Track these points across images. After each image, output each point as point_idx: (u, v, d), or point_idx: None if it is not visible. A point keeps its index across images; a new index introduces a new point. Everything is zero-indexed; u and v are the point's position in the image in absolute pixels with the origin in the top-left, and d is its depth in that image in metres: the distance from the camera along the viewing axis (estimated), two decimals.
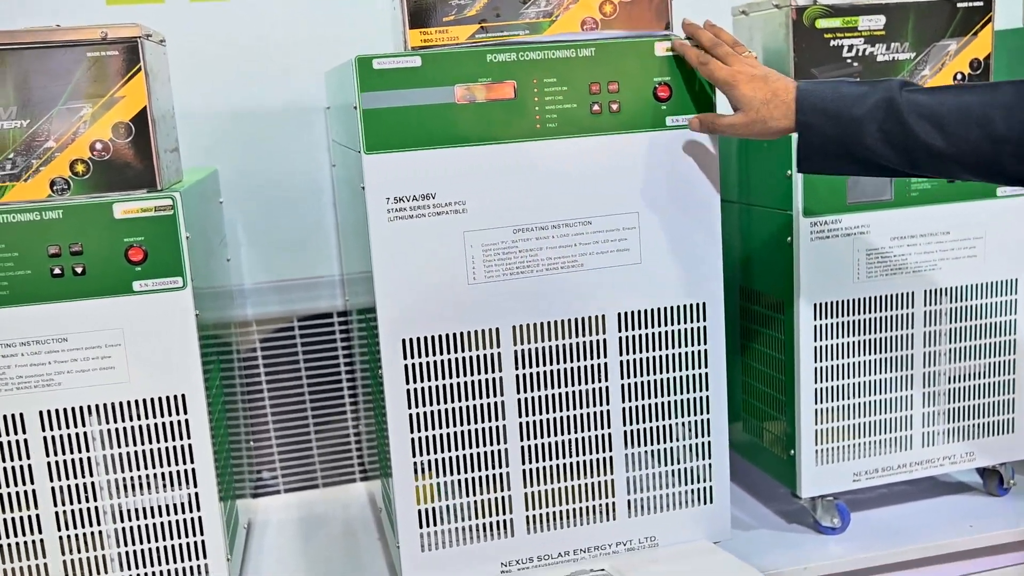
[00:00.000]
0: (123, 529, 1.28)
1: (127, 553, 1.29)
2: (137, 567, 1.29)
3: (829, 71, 1.52)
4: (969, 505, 1.68)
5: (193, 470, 1.28)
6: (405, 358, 1.31)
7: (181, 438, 1.27)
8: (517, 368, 1.35)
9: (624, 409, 1.40)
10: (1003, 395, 1.63)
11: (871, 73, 1.52)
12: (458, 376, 1.34)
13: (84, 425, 1.25)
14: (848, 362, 1.55)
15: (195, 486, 1.28)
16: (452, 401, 1.34)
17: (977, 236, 1.57)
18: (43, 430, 1.24)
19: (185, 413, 1.27)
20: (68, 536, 1.27)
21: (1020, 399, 1.64)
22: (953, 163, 1.16)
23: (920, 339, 1.57)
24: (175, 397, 1.26)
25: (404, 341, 1.31)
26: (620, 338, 1.38)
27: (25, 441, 1.24)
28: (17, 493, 1.25)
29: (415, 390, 1.32)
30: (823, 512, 1.60)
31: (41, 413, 1.24)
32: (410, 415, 1.33)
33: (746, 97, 1.25)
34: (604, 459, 1.41)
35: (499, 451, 1.37)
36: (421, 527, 1.36)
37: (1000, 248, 1.58)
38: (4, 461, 1.24)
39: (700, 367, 1.42)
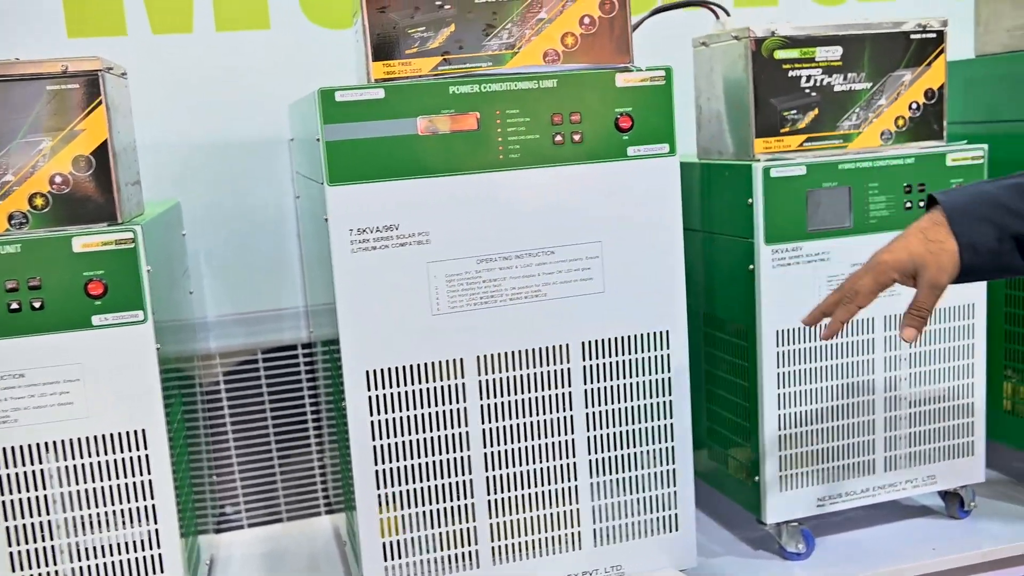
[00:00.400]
0: (81, 568, 1.26)
1: None
2: None
3: (787, 101, 1.54)
4: (931, 528, 1.70)
5: (153, 506, 1.26)
6: (369, 389, 1.31)
7: (141, 474, 1.25)
8: (482, 398, 1.35)
9: (589, 438, 1.40)
10: (962, 419, 1.65)
11: (829, 103, 1.55)
12: (422, 407, 1.33)
13: (41, 462, 1.23)
14: (811, 388, 1.56)
15: (155, 523, 1.27)
16: (416, 432, 1.33)
17: None
18: None
19: (145, 448, 1.25)
20: None
21: (979, 422, 1.66)
22: None
23: (880, 364, 1.59)
24: (135, 432, 1.25)
25: (368, 373, 1.31)
26: (584, 367, 1.38)
27: None
28: None
29: (379, 422, 1.32)
30: (788, 538, 1.60)
31: None
32: (374, 447, 1.32)
33: (912, 255, 1.13)
34: (569, 488, 1.41)
35: (464, 482, 1.36)
36: (386, 560, 1.35)
37: None
38: None
39: (664, 395, 1.42)
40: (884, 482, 1.63)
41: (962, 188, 1.16)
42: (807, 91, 1.55)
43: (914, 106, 1.60)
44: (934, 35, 1.59)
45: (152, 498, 1.26)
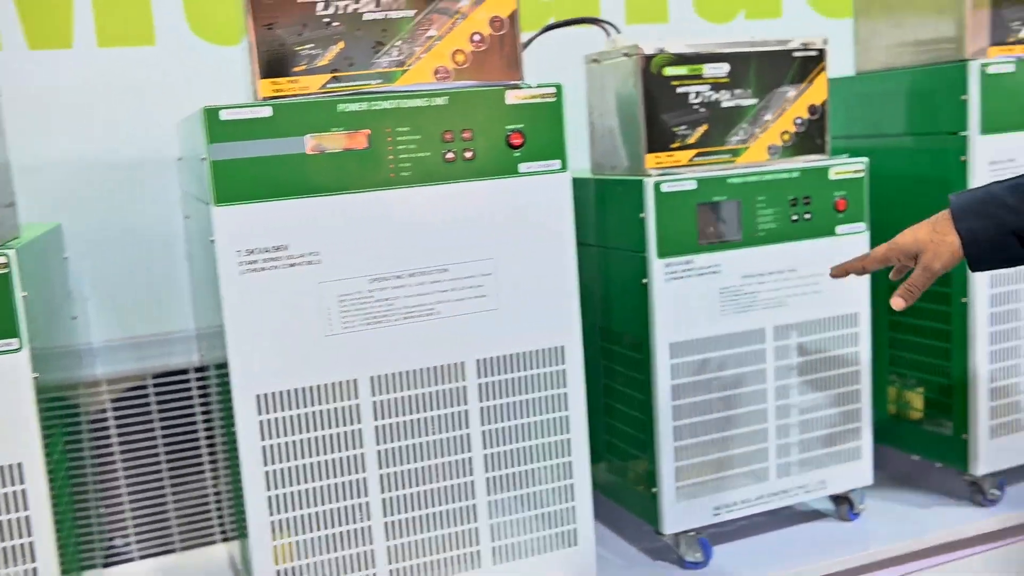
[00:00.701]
0: None
1: None
2: None
3: (677, 117, 1.57)
4: (823, 532, 1.74)
5: (32, 544, 1.21)
6: (260, 414, 1.28)
7: (18, 510, 1.20)
8: (376, 419, 1.34)
9: (486, 456, 1.40)
10: (850, 424, 1.69)
11: (717, 118, 1.58)
12: (316, 430, 1.31)
13: None
14: (705, 399, 1.58)
15: (34, 561, 1.21)
16: (310, 456, 1.31)
17: (820, 272, 1.64)
18: None
19: (22, 483, 1.19)
20: None
21: (866, 427, 1.71)
22: None
23: (771, 373, 1.63)
24: (11, 467, 1.19)
25: (258, 397, 1.28)
26: (480, 384, 1.38)
27: None
28: None
29: (271, 446, 1.29)
30: (686, 547, 1.62)
31: None
32: (266, 472, 1.29)
33: (916, 240, 1.29)
34: (468, 507, 1.40)
35: (360, 504, 1.34)
36: None
37: (841, 284, 1.65)
38: None
39: (561, 410, 1.43)
40: (777, 488, 1.66)
41: (973, 189, 1.31)
42: (696, 107, 1.58)
43: (799, 121, 1.65)
44: (815, 53, 1.64)
45: (30, 535, 1.20)
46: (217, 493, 1.84)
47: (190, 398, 1.81)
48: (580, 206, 1.68)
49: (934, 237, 1.28)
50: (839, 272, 1.38)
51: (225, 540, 1.84)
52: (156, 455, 1.80)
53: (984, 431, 1.75)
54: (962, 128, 1.68)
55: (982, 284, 1.71)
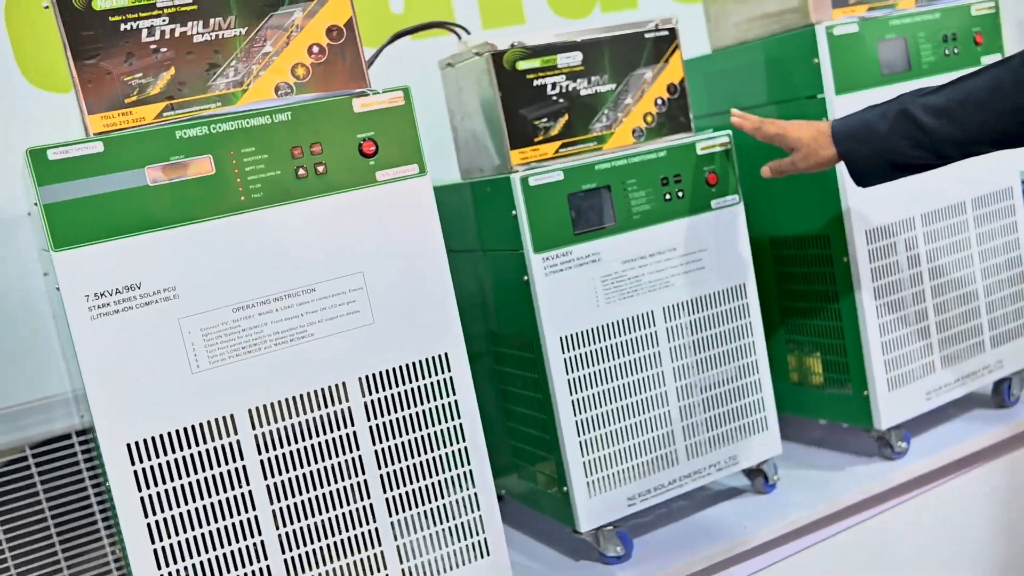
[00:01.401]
0: None
1: None
2: None
3: (536, 110, 1.55)
4: (741, 507, 1.73)
5: None
6: (133, 464, 1.21)
7: None
8: (260, 453, 1.28)
9: (382, 476, 1.35)
10: (752, 396, 1.69)
11: (578, 108, 1.57)
12: (196, 473, 1.24)
13: None
14: (603, 389, 1.56)
15: None
16: (193, 501, 1.24)
17: (702, 248, 1.64)
18: None
19: None
20: None
21: (768, 397, 1.70)
22: (972, 143, 1.37)
23: (667, 355, 1.61)
24: None
25: (129, 446, 1.21)
26: (365, 403, 1.33)
27: None
28: None
29: (149, 496, 1.22)
30: (606, 542, 1.59)
31: None
32: (147, 524, 1.22)
33: (796, 139, 1.51)
34: (369, 532, 1.35)
35: (254, 544, 1.28)
36: None
37: (724, 257, 1.65)
38: None
39: (453, 419, 1.39)
40: (689, 470, 1.65)
41: (851, 115, 1.49)
42: (554, 98, 1.56)
43: (659, 102, 1.65)
44: (667, 32, 1.65)
45: None
46: (117, 559, 1.75)
47: (76, 463, 1.72)
48: (457, 213, 1.66)
49: (812, 145, 1.49)
50: (737, 121, 1.60)
51: None
52: (45, 528, 1.71)
53: (883, 385, 1.77)
54: (819, 91, 1.71)
55: (860, 241, 1.73)
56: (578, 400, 1.54)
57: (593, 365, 1.55)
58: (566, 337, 1.53)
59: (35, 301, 1.68)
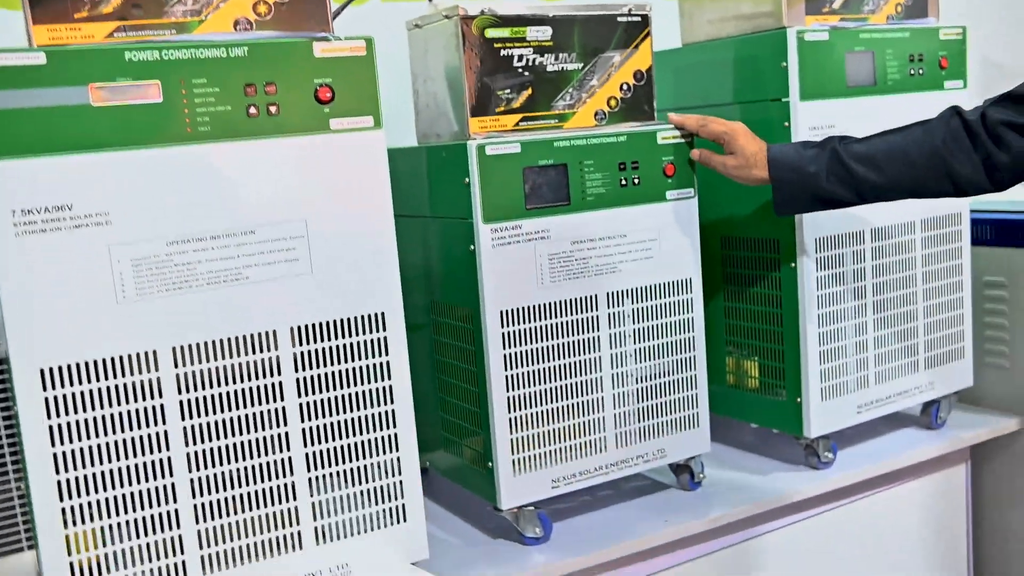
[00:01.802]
0: None
1: None
2: None
3: (501, 80, 1.53)
4: (664, 502, 1.73)
5: None
6: (45, 390, 1.17)
7: None
8: (181, 393, 1.24)
9: (304, 430, 1.32)
10: (686, 391, 1.69)
11: (542, 83, 1.55)
12: (112, 406, 1.21)
13: None
14: (538, 368, 1.54)
15: None
16: (106, 435, 1.20)
17: (652, 238, 1.63)
18: None
19: None
20: None
21: (702, 395, 1.70)
22: (890, 190, 1.51)
23: (606, 341, 1.60)
24: None
25: (43, 371, 1.17)
26: (295, 354, 1.30)
27: None
28: None
29: (60, 425, 1.18)
30: (525, 523, 1.58)
31: None
32: (54, 454, 1.18)
33: (741, 147, 1.58)
34: (285, 485, 1.32)
35: (166, 486, 1.24)
36: None
37: (674, 249, 1.64)
38: None
39: (383, 380, 1.37)
40: (617, 459, 1.64)
41: (789, 145, 1.60)
42: (520, 70, 1.55)
43: (625, 87, 1.63)
44: (639, 19, 1.63)
45: None
46: (21, 496, 1.69)
47: None
48: (409, 177, 1.63)
49: (751, 160, 1.58)
50: (676, 120, 1.63)
51: (33, 547, 1.70)
52: None
53: (816, 394, 1.77)
54: (784, 95, 1.71)
55: (809, 248, 1.74)
56: (512, 376, 1.52)
57: (531, 343, 1.53)
58: (506, 311, 1.51)
59: None
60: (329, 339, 1.32)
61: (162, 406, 1.23)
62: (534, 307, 1.53)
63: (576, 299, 1.57)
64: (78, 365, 1.18)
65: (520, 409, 1.54)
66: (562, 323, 1.56)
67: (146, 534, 1.24)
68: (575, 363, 1.58)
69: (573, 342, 1.57)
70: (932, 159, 1.46)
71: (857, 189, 1.52)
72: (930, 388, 1.94)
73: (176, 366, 1.23)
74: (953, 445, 1.95)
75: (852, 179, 1.51)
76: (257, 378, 1.28)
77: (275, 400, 1.30)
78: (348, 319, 1.33)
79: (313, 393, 1.32)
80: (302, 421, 1.32)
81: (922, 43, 1.83)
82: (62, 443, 1.18)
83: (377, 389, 1.36)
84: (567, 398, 1.57)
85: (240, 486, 1.29)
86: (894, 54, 1.80)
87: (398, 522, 1.40)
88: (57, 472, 1.18)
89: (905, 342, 1.89)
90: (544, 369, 1.55)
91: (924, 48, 1.84)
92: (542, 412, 1.56)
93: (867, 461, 1.85)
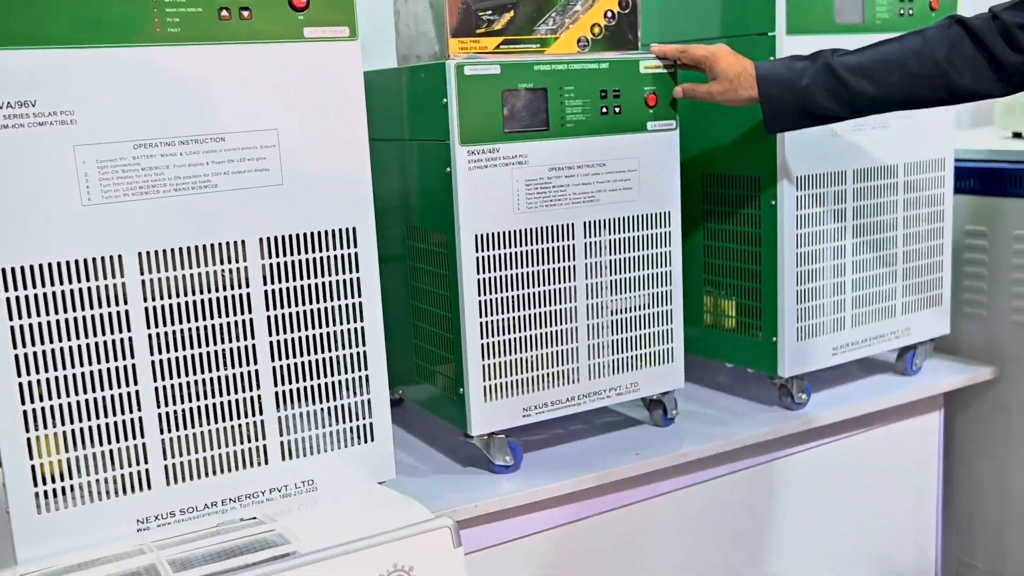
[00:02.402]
0: None
1: None
2: None
3: (482, 2, 1.50)
4: (636, 436, 1.73)
5: None
6: (6, 291, 1.15)
7: None
8: (146, 300, 1.22)
9: (272, 343, 1.31)
10: (662, 326, 1.68)
11: (525, 6, 1.53)
12: (74, 311, 1.19)
13: None
14: (512, 295, 1.53)
15: None
16: (69, 339, 1.19)
17: (631, 169, 1.61)
18: None
19: None
20: None
21: (677, 330, 1.69)
22: (884, 102, 1.49)
23: (582, 271, 1.59)
24: None
25: (4, 271, 1.15)
26: (263, 265, 1.29)
27: None
28: None
29: (22, 327, 1.16)
30: (496, 451, 1.57)
31: None
32: (16, 356, 1.16)
33: (723, 70, 1.55)
34: (251, 398, 1.30)
35: (129, 393, 1.23)
36: (36, 485, 1.19)
37: (653, 181, 1.63)
38: None
39: (353, 296, 1.35)
40: (589, 390, 1.63)
41: (777, 61, 1.57)
42: None
43: (609, 14, 1.61)
44: None
45: None
46: None
47: None
48: (387, 100, 1.61)
49: (735, 81, 1.54)
50: (658, 50, 1.61)
51: None
52: None
53: (791, 334, 1.77)
54: (770, 28, 1.68)
55: (789, 188, 1.72)
56: (485, 302, 1.51)
57: (505, 269, 1.52)
58: (482, 236, 1.49)
59: None
60: (299, 253, 1.30)
61: (127, 312, 1.21)
62: (510, 232, 1.52)
63: (552, 227, 1.55)
64: (41, 267, 1.16)
65: (493, 336, 1.52)
66: (538, 250, 1.55)
67: (109, 442, 1.22)
68: (550, 291, 1.56)
69: (548, 270, 1.56)
70: (932, 68, 1.44)
71: (851, 102, 1.49)
72: (906, 334, 1.94)
73: (142, 272, 1.22)
74: (927, 391, 1.96)
75: (846, 91, 1.48)
76: (225, 289, 1.27)
77: (243, 312, 1.28)
78: (318, 232, 1.31)
79: (281, 307, 1.30)
80: (270, 335, 1.30)
81: None
82: (23, 345, 1.16)
83: (347, 306, 1.35)
84: (541, 327, 1.56)
85: (205, 398, 1.27)
86: None
87: (365, 441, 1.39)
88: (19, 374, 1.16)
89: (883, 286, 1.88)
90: (518, 296, 1.54)
91: None
92: (515, 340, 1.55)
93: (840, 403, 1.85)
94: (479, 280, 1.50)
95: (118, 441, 1.23)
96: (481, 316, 1.51)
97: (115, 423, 1.22)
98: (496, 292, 1.52)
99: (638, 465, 1.62)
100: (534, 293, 1.55)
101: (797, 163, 1.72)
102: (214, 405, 1.28)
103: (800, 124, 1.56)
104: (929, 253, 1.94)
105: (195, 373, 1.26)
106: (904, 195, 1.88)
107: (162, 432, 1.25)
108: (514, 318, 1.54)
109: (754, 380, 1.92)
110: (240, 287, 1.28)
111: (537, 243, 1.54)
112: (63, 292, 1.18)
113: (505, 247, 1.52)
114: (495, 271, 1.51)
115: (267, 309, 1.29)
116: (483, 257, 1.50)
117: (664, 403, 1.74)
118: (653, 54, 1.61)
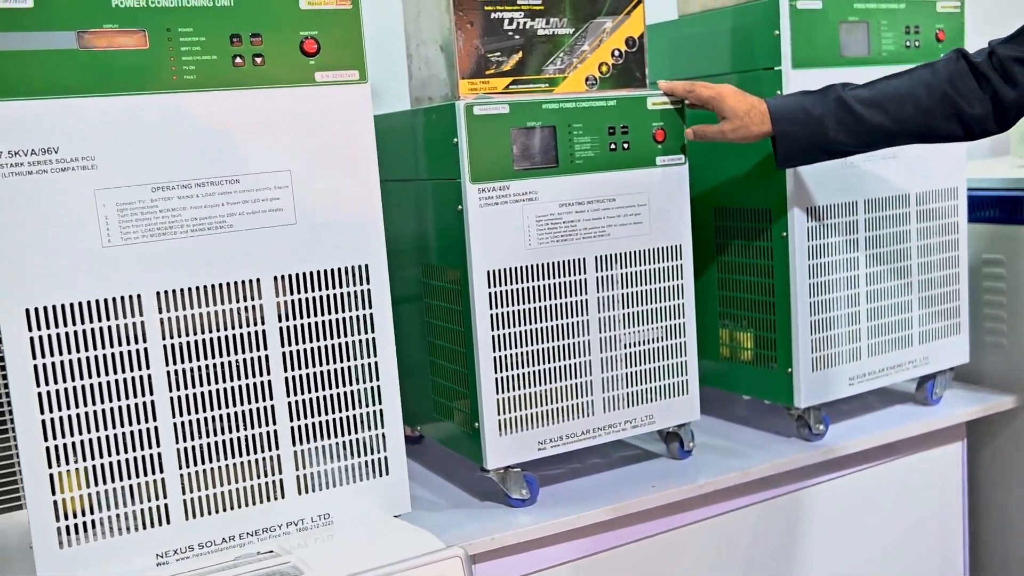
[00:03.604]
0: None
1: None
2: None
3: (491, 43, 1.54)
4: (653, 469, 1.73)
5: None
6: (30, 330, 1.19)
7: None
8: (165, 338, 1.26)
9: (287, 379, 1.34)
10: (676, 358, 1.69)
11: (533, 47, 1.57)
12: (96, 348, 1.22)
13: None
14: (526, 329, 1.55)
15: None
16: (91, 376, 1.22)
17: (641, 203, 1.63)
18: None
19: None
20: None
21: (691, 362, 1.70)
22: (899, 135, 1.51)
23: (594, 304, 1.61)
24: None
25: (28, 311, 1.19)
26: (278, 303, 1.32)
27: None
28: None
29: (44, 365, 1.20)
30: (512, 484, 1.59)
31: None
32: (39, 393, 1.20)
33: (732, 108, 1.55)
34: (268, 433, 1.33)
35: (149, 429, 1.26)
36: (59, 520, 1.22)
37: (663, 215, 1.65)
38: None
39: (367, 332, 1.38)
40: (604, 423, 1.64)
41: (788, 96, 1.58)
42: (510, 34, 1.56)
43: (616, 53, 1.64)
44: None
45: None
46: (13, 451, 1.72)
47: None
48: (400, 141, 1.65)
49: (745, 119, 1.55)
50: (666, 87, 1.62)
51: None
52: None
53: (807, 364, 1.77)
54: (776, 63, 1.71)
55: (800, 219, 1.74)
56: (499, 336, 1.53)
57: (518, 304, 1.54)
58: (494, 272, 1.52)
59: None
60: (313, 290, 1.34)
61: (146, 350, 1.25)
62: (522, 268, 1.54)
63: (564, 262, 1.58)
64: (63, 306, 1.20)
65: (507, 370, 1.54)
66: (550, 285, 1.57)
67: (129, 477, 1.26)
68: (563, 325, 1.58)
69: (561, 304, 1.58)
70: (942, 101, 1.45)
71: (865, 136, 1.50)
72: (925, 363, 1.93)
73: (160, 311, 1.25)
74: (948, 421, 1.94)
75: (860, 125, 1.49)
76: (241, 326, 1.30)
77: (259, 349, 1.31)
78: (332, 270, 1.35)
79: (296, 343, 1.33)
80: (285, 370, 1.33)
81: (919, 15, 1.83)
82: (47, 383, 1.20)
83: (360, 341, 1.37)
84: (554, 360, 1.58)
85: (223, 433, 1.30)
86: (889, 25, 1.80)
87: (380, 475, 1.41)
88: (42, 411, 1.20)
89: (899, 315, 1.88)
90: (531, 331, 1.56)
91: (920, 20, 1.83)
92: (529, 374, 1.56)
93: (860, 434, 1.85)
94: (492, 315, 1.53)
95: (138, 476, 1.26)
96: (495, 351, 1.53)
97: (135, 458, 1.26)
98: (510, 327, 1.54)
99: (655, 497, 1.63)
100: (547, 327, 1.57)
101: (807, 194, 1.73)
102: (232, 440, 1.31)
103: (813, 159, 1.58)
104: (945, 282, 1.94)
105: (213, 409, 1.29)
106: (917, 224, 1.88)
107: (181, 467, 1.28)
108: (528, 352, 1.56)
109: (772, 412, 1.92)
110: (256, 324, 1.31)
111: (549, 278, 1.57)
112: (84, 331, 1.21)
113: (518, 282, 1.54)
114: (508, 306, 1.53)
115: (282, 345, 1.32)
116: (496, 292, 1.53)
117: (680, 435, 1.75)
118: (661, 90, 1.63)
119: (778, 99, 1.57)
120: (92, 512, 1.24)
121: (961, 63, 1.47)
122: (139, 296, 1.24)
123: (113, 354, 1.23)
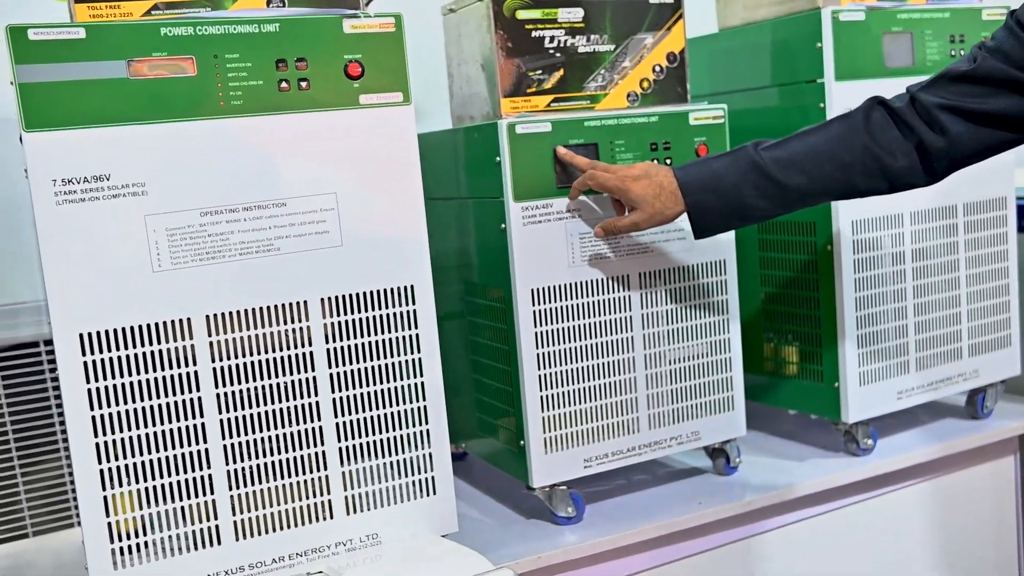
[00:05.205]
0: None
1: None
2: None
3: (532, 61, 1.55)
4: (700, 485, 1.72)
5: None
6: (84, 354, 1.21)
7: None
8: (214, 361, 1.27)
9: (335, 400, 1.34)
10: (721, 374, 1.68)
11: (574, 64, 1.57)
12: (147, 372, 1.24)
13: None
14: (570, 347, 1.55)
15: None
16: (142, 400, 1.24)
17: (683, 220, 1.62)
18: None
19: None
20: None
21: (737, 378, 1.69)
22: (819, 195, 1.40)
23: (639, 321, 1.60)
24: None
25: (82, 336, 1.20)
26: (325, 324, 1.33)
27: None
28: None
29: (98, 389, 1.22)
30: (558, 502, 1.58)
31: None
32: (92, 417, 1.22)
33: (639, 197, 1.43)
34: (316, 454, 1.34)
35: (199, 451, 1.28)
36: (113, 542, 1.24)
37: None
38: None
39: (413, 352, 1.38)
40: (650, 440, 1.63)
41: (695, 163, 1.46)
42: (551, 52, 1.56)
43: (657, 69, 1.64)
44: (672, 0, 1.64)
45: None
46: (72, 473, 1.74)
47: (41, 372, 1.72)
48: (443, 160, 1.66)
49: (656, 204, 1.43)
50: (564, 153, 1.51)
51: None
52: (4, 434, 1.71)
53: (854, 379, 1.75)
54: (819, 76, 1.70)
55: (846, 231, 1.72)
56: (543, 355, 1.53)
57: (562, 321, 1.54)
58: (538, 290, 1.52)
59: (16, 206, 1.68)
60: (359, 311, 1.34)
61: (196, 373, 1.26)
62: (566, 285, 1.54)
63: (607, 279, 1.57)
64: (116, 331, 1.22)
65: (552, 388, 1.54)
66: (594, 302, 1.57)
67: (181, 498, 1.27)
68: (607, 342, 1.58)
69: (605, 322, 1.58)
70: (863, 154, 1.35)
71: (783, 199, 1.39)
72: (974, 376, 1.90)
73: (210, 334, 1.27)
74: (999, 435, 1.91)
75: (778, 189, 1.37)
76: (289, 348, 1.31)
77: (306, 370, 1.32)
78: (378, 291, 1.35)
79: (343, 364, 1.34)
80: (332, 391, 1.34)
81: (964, 24, 1.81)
82: (100, 406, 1.22)
83: (406, 362, 1.38)
84: (599, 378, 1.58)
85: (272, 454, 1.31)
86: (934, 35, 1.78)
87: (427, 495, 1.41)
88: (96, 435, 1.22)
89: (947, 328, 1.86)
90: (576, 348, 1.56)
91: (966, 29, 1.81)
92: (574, 391, 1.56)
93: (909, 448, 1.82)
94: (536, 333, 1.53)
95: (189, 498, 1.27)
96: (540, 369, 1.53)
97: (186, 480, 1.27)
98: (554, 344, 1.54)
99: (702, 514, 1.62)
100: (591, 344, 1.57)
101: (852, 207, 1.71)
102: (281, 461, 1.32)
103: (730, 226, 1.47)
104: (994, 294, 1.91)
105: (262, 430, 1.30)
106: (965, 235, 1.86)
107: (231, 488, 1.29)
108: (572, 370, 1.56)
109: (818, 427, 1.90)
110: (303, 346, 1.32)
111: (593, 295, 1.56)
112: (136, 355, 1.23)
113: (561, 300, 1.54)
114: (552, 324, 1.53)
115: (330, 367, 1.33)
116: (540, 311, 1.52)
117: (727, 451, 1.73)
118: (559, 153, 1.51)
119: (686, 168, 1.43)
120: (145, 533, 1.25)
121: (878, 112, 1.36)
122: (189, 320, 1.25)
123: (164, 377, 1.25)
